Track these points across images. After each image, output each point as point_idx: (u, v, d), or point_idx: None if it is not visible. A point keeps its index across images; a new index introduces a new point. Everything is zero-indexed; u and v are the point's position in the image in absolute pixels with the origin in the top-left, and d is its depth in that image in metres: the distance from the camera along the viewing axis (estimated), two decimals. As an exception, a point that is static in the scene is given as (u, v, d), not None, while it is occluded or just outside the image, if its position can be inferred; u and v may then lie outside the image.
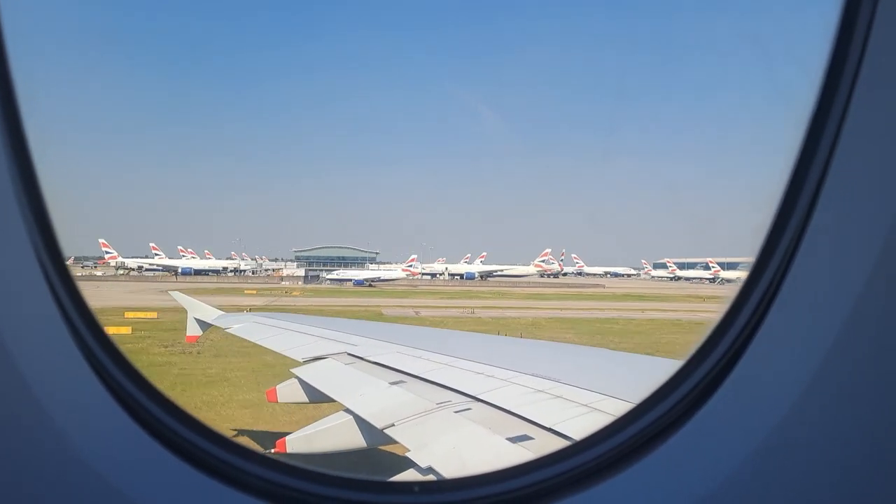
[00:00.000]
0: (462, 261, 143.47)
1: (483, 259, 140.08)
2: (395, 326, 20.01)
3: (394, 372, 8.02)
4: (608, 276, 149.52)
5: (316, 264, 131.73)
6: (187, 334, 16.37)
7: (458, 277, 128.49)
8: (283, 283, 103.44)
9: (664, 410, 1.85)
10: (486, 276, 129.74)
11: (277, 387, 9.29)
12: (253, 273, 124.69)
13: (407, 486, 1.98)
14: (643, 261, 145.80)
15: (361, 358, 9.08)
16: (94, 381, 1.75)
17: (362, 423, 6.66)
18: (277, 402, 9.24)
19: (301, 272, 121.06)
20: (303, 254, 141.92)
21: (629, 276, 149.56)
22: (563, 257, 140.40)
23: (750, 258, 1.80)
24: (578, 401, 5.82)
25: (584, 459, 1.86)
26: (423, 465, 5.00)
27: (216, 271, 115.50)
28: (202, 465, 1.79)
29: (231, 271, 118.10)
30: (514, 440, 5.10)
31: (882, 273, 1.57)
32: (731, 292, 1.84)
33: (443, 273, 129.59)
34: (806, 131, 1.69)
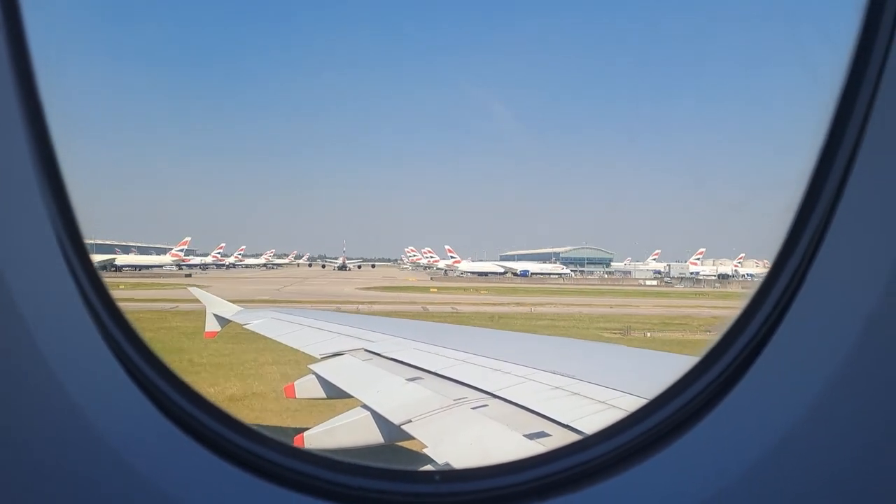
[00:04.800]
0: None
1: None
2: (411, 322, 20.04)
3: (411, 368, 8.04)
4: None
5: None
6: (206, 330, 16.50)
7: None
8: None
9: (679, 406, 1.84)
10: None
11: (295, 383, 9.35)
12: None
13: (428, 476, 2.00)
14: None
15: (379, 354, 9.11)
16: (118, 370, 1.79)
17: (380, 420, 6.68)
18: (295, 397, 9.30)
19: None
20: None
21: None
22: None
23: (770, 253, 1.78)
24: (596, 398, 5.79)
25: (600, 451, 1.86)
26: (440, 461, 5.01)
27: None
28: (226, 454, 1.82)
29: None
30: (531, 437, 5.08)
31: None
32: (752, 287, 1.81)
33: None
34: (829, 127, 1.66)
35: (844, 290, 1.63)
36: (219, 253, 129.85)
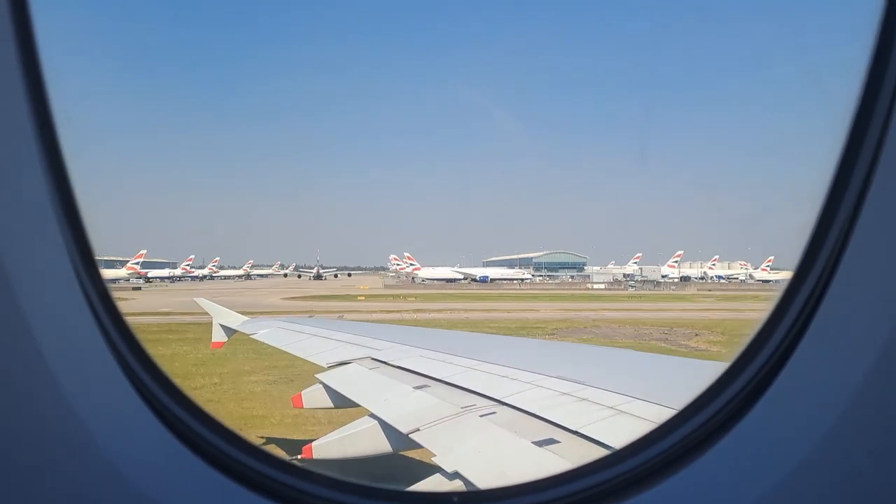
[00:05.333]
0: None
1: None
2: (418, 330, 20.00)
3: (418, 376, 8.01)
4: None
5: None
6: (213, 340, 16.53)
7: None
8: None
9: (705, 419, 1.80)
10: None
11: (302, 392, 9.34)
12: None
13: (446, 498, 1.96)
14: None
15: (385, 362, 9.09)
16: (126, 386, 1.77)
17: (387, 428, 6.66)
18: (303, 407, 9.28)
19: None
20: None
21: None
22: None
23: (794, 260, 1.74)
24: (604, 403, 5.76)
25: (624, 469, 1.82)
26: (449, 469, 4.98)
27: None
28: (230, 471, 1.79)
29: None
30: (539, 444, 5.05)
31: None
32: (775, 295, 1.77)
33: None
34: (849, 132, 1.63)
35: (867, 301, 1.59)
36: (187, 265, 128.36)
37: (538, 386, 6.70)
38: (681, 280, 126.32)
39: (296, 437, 16.73)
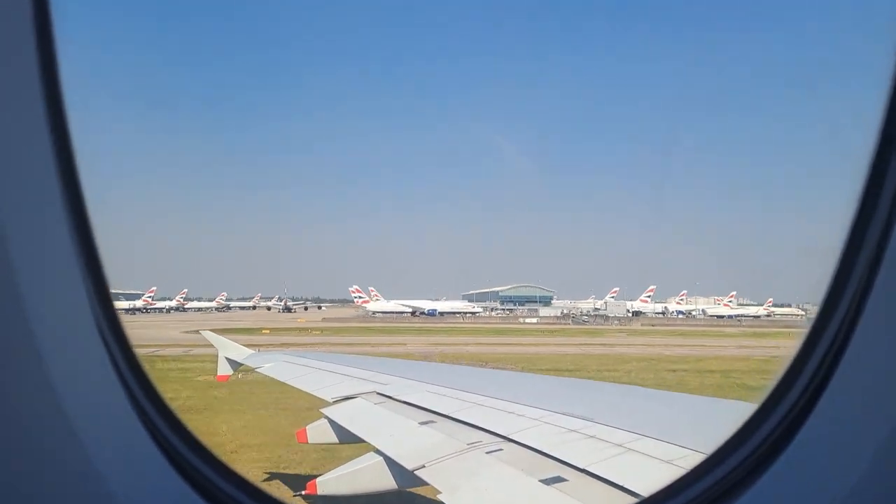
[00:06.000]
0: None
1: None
2: (424, 364, 19.91)
3: (424, 411, 7.95)
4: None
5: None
6: (218, 373, 16.49)
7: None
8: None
9: (745, 456, 1.76)
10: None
11: (307, 427, 9.27)
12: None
13: None
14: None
15: (391, 397, 9.04)
16: (141, 430, 1.78)
17: (392, 465, 6.59)
18: (308, 442, 9.20)
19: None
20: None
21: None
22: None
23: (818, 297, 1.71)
24: (612, 440, 5.70)
25: None
26: None
27: None
28: None
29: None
30: (547, 482, 5.00)
31: None
32: (801, 337, 1.74)
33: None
34: (880, 132, 1.62)
35: (888, 356, 1.56)
36: (150, 296, 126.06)
37: (545, 422, 6.65)
38: (633, 315, 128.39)
39: (301, 471, 16.55)
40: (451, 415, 7.49)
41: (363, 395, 9.47)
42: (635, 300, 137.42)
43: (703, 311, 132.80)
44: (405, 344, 61.11)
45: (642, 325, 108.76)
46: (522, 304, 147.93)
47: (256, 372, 14.43)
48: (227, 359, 16.14)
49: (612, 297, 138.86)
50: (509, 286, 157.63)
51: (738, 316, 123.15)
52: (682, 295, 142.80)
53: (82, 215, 1.74)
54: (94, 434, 1.66)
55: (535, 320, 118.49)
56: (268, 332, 73.98)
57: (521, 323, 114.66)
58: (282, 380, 12.68)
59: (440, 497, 5.26)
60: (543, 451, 5.68)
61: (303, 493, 6.93)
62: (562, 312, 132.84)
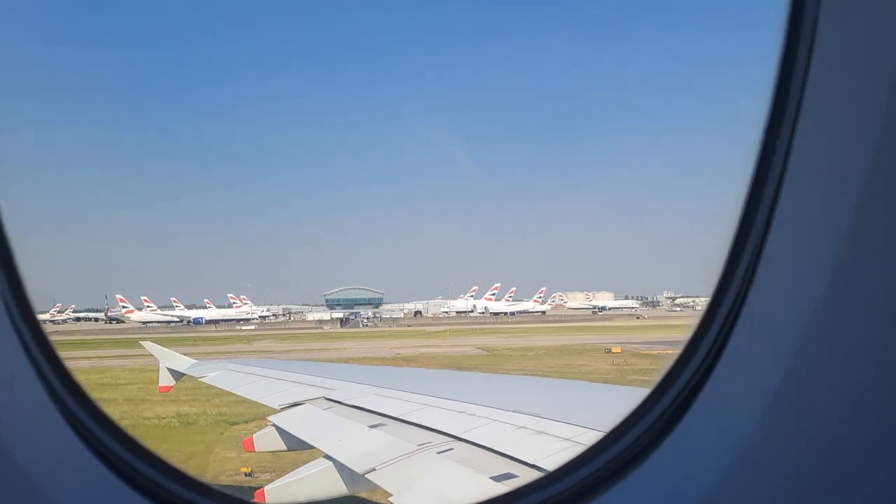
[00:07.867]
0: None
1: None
2: (372, 368, 19.80)
3: (373, 415, 7.90)
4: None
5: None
6: (160, 385, 15.97)
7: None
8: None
9: (634, 438, 1.90)
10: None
11: (255, 436, 9.09)
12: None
13: None
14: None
15: (339, 402, 8.93)
16: (67, 430, 1.73)
17: (343, 469, 6.52)
18: (255, 451, 9.02)
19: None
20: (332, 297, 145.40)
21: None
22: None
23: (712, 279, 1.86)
24: (561, 435, 5.78)
25: (560, 489, 1.90)
26: None
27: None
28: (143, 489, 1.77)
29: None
30: (498, 479, 5.03)
31: (840, 279, 1.60)
32: (698, 314, 1.90)
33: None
34: (762, 138, 1.73)
35: (782, 305, 1.71)
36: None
37: (495, 420, 6.69)
38: (415, 315, 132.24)
39: (245, 483, 16.21)
40: (401, 417, 7.46)
41: (311, 401, 9.33)
42: (480, 299, 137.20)
43: (486, 308, 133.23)
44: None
45: (409, 326, 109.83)
46: (351, 307, 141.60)
47: (200, 382, 14.07)
48: (168, 369, 15.64)
49: (472, 295, 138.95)
50: (336, 289, 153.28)
51: (517, 312, 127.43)
52: (541, 292, 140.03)
53: None
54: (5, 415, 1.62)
55: (328, 326, 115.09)
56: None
57: (319, 328, 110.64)
58: (227, 389, 12.37)
59: (391, 500, 5.24)
60: (494, 448, 5.72)
61: (251, 502, 6.78)
62: (345, 315, 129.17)
